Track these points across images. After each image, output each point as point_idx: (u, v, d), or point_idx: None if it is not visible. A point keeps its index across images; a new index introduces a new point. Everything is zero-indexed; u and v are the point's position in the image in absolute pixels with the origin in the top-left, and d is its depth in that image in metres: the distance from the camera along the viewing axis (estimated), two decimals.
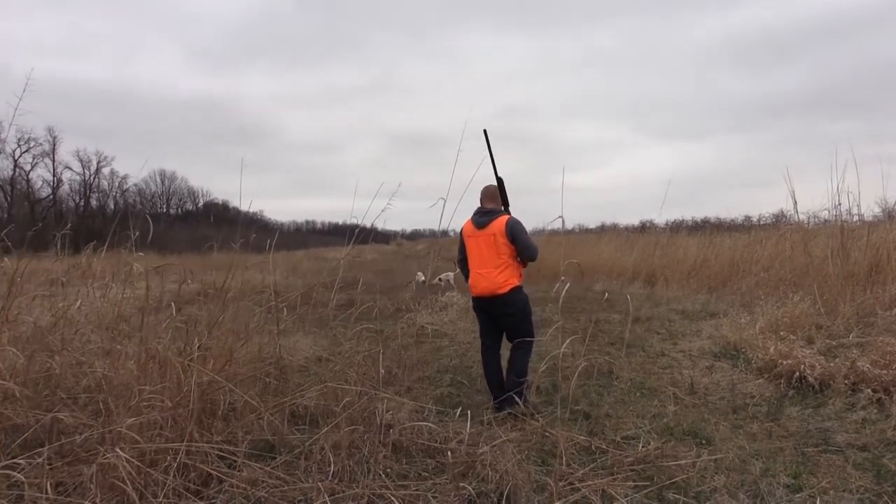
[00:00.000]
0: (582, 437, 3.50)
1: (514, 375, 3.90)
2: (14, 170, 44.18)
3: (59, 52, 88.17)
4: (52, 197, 46.27)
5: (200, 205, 60.39)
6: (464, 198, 4.19)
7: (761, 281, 8.17)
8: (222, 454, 3.02)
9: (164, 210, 59.20)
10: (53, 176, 46.22)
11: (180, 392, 3.10)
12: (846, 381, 4.22)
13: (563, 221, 3.98)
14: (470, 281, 4.13)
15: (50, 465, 2.88)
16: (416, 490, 2.74)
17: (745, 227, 16.75)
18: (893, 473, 3.07)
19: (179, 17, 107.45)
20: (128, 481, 2.51)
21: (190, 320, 3.64)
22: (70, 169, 47.53)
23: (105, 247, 4.35)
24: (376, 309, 4.40)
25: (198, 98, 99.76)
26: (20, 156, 44.08)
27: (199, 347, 3.36)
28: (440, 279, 12.86)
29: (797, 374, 4.45)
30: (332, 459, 2.94)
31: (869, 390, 4.05)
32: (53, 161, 45.89)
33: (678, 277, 11.08)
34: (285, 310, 4.19)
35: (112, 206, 47.32)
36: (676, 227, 20.23)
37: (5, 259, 3.87)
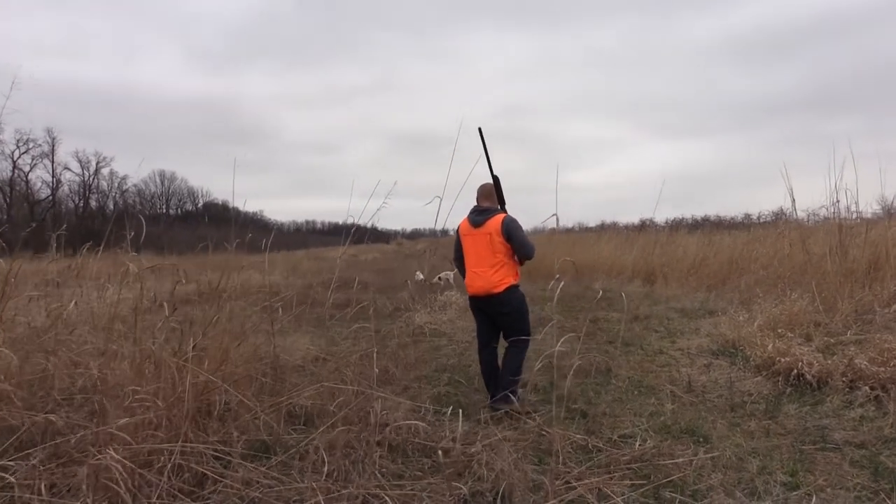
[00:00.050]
0: (579, 436, 3.49)
1: (508, 374, 3.89)
2: (13, 171, 44.24)
3: (58, 53, 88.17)
4: (51, 198, 46.26)
5: (200, 205, 60.37)
6: (462, 196, 4.19)
7: (760, 279, 8.16)
8: (217, 454, 3.01)
9: (164, 210, 59.21)
10: (52, 177, 46.25)
11: (175, 392, 3.10)
12: (844, 379, 4.21)
13: (556, 219, 3.97)
14: (466, 280, 4.12)
15: (44, 466, 2.89)
16: (411, 490, 2.73)
17: (744, 226, 16.76)
18: (891, 471, 3.06)
19: (179, 17, 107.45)
20: (120, 482, 2.50)
21: (185, 320, 3.63)
22: (69, 170, 47.59)
23: (101, 248, 4.35)
24: (372, 308, 4.38)
25: (198, 98, 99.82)
26: (19, 157, 44.15)
27: (193, 347, 3.35)
28: (440, 278, 12.85)
29: (795, 371, 4.43)
30: (327, 459, 2.93)
31: (867, 387, 4.03)
32: (52, 162, 45.93)
33: (677, 276, 11.07)
34: (280, 310, 4.18)
35: (112, 207, 47.32)
36: (676, 226, 20.25)
37: (0, 261, 3.86)
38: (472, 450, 3.15)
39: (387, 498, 2.60)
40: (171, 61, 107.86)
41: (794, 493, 2.83)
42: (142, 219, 3.45)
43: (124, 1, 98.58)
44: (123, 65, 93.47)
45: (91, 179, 48.94)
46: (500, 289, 3.91)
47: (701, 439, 3.54)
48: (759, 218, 18.05)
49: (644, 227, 20.00)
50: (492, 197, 4.07)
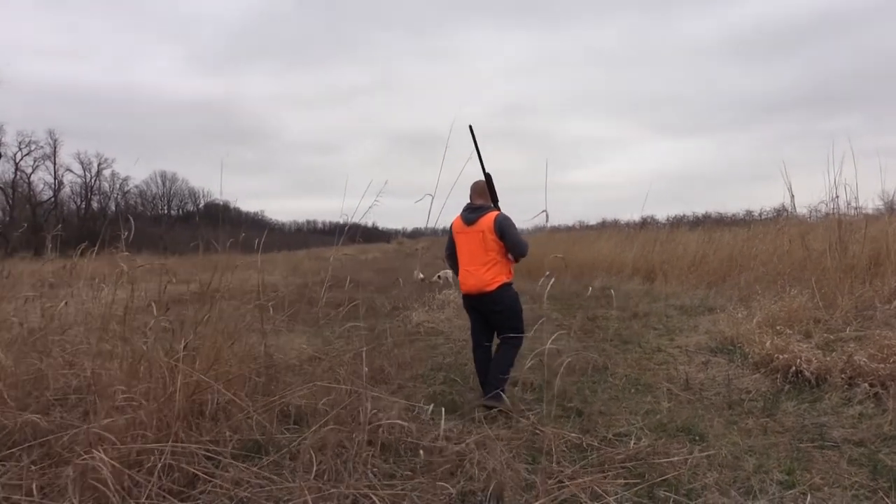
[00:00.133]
0: (573, 435, 3.46)
1: (498, 371, 3.86)
2: (15, 173, 44.34)
3: (58, 54, 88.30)
4: (53, 199, 46.35)
5: (201, 205, 60.39)
6: (455, 194, 4.15)
7: (760, 276, 8.11)
8: (209, 454, 2.99)
9: (166, 212, 59.26)
10: (54, 178, 46.34)
11: (165, 392, 3.07)
12: (843, 376, 4.17)
13: (546, 216, 3.93)
14: (459, 278, 4.09)
15: (35, 466, 2.87)
16: (401, 490, 2.70)
17: (745, 223, 16.70)
18: (889, 469, 3.02)
19: (179, 18, 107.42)
20: (109, 483, 2.48)
21: (177, 320, 3.61)
22: (71, 171, 47.67)
23: (96, 248, 4.33)
24: (365, 307, 4.35)
25: (198, 99, 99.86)
26: (21, 159, 44.25)
27: (185, 347, 3.33)
28: (439, 276, 12.83)
29: (793, 368, 4.40)
30: (317, 459, 2.90)
31: (866, 384, 3.99)
32: (54, 164, 46.01)
33: (677, 273, 11.03)
34: (272, 308, 4.15)
35: (113, 208, 47.37)
36: (677, 223, 20.21)
37: None
38: (465, 448, 3.12)
39: (375, 498, 2.57)
40: (172, 62, 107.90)
41: (790, 491, 2.80)
42: (131, 219, 3.42)
43: (124, 2, 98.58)
44: (124, 66, 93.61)
45: (93, 181, 49.06)
46: (493, 287, 3.88)
47: (697, 437, 3.51)
48: (760, 215, 18.02)
49: (645, 224, 20.02)
50: (485, 194, 4.04)
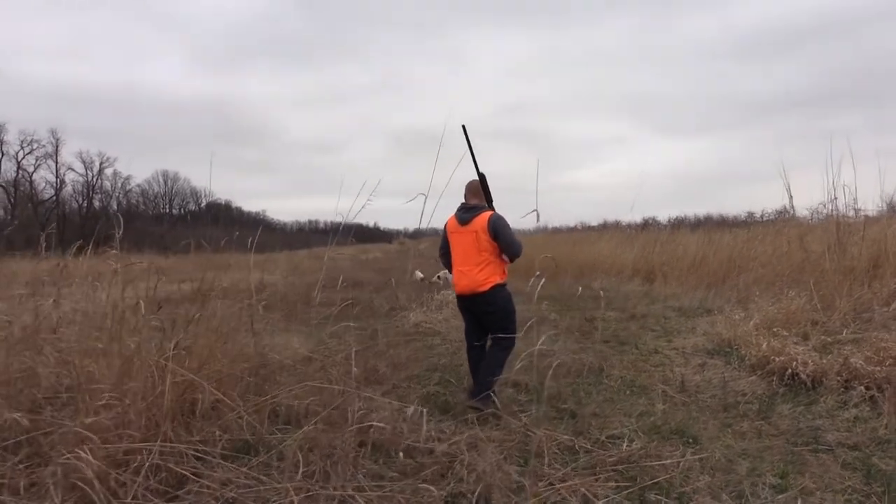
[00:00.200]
0: (566, 437, 3.43)
1: (488, 373, 3.83)
2: (17, 171, 44.44)
3: (60, 54, 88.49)
4: (55, 198, 46.42)
5: (203, 205, 60.43)
6: (450, 194, 4.14)
7: (759, 277, 8.08)
8: (198, 454, 2.97)
9: (168, 211, 59.33)
10: (56, 177, 46.40)
11: (154, 391, 3.06)
12: (839, 378, 4.14)
13: (537, 216, 3.90)
14: (453, 278, 4.07)
15: (23, 465, 2.86)
16: (389, 491, 2.68)
17: (747, 224, 16.66)
18: (883, 473, 2.99)
19: (181, 18, 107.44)
20: (95, 482, 2.46)
21: (168, 319, 3.59)
22: (73, 170, 47.72)
23: (90, 247, 4.32)
24: (364, 307, 4.33)
25: (200, 99, 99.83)
26: (23, 157, 44.34)
27: (175, 346, 3.31)
28: (438, 277, 12.81)
29: (789, 371, 4.37)
30: (305, 459, 2.89)
31: (862, 387, 3.96)
32: (56, 162, 46.07)
33: (677, 274, 11.00)
34: (266, 308, 4.14)
35: (115, 207, 47.42)
36: (678, 224, 20.19)
37: None
38: (455, 450, 3.10)
39: (361, 499, 2.55)
40: (174, 62, 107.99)
41: (782, 495, 2.77)
42: (120, 217, 3.41)
43: (126, 2, 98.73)
44: (126, 66, 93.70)
45: (94, 180, 49.10)
46: (486, 287, 3.86)
47: (690, 440, 3.48)
48: (762, 216, 17.96)
49: (646, 225, 19.98)
50: (479, 194, 4.02)
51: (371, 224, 70.21)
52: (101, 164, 48.69)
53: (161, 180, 58.21)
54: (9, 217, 39.01)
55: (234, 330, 3.97)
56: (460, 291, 4.00)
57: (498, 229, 3.84)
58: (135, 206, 53.91)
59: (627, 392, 4.53)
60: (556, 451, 3.27)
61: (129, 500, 2.53)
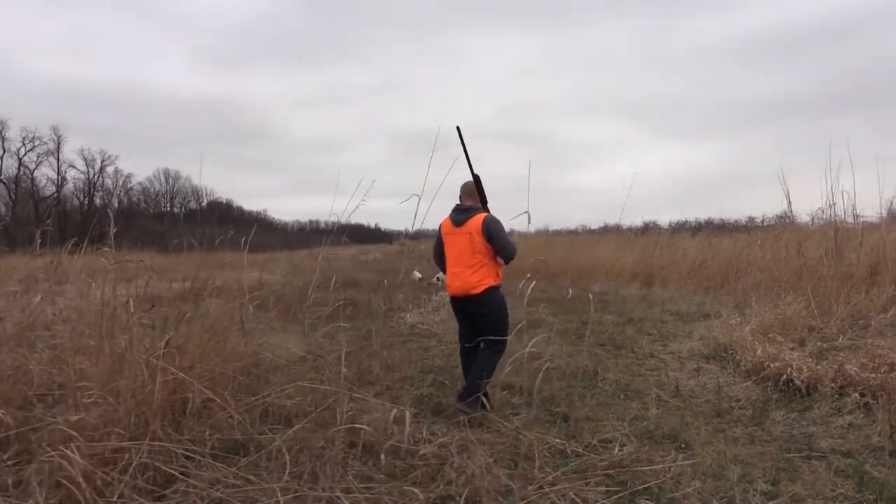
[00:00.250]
0: (557, 440, 3.41)
1: (478, 375, 3.80)
2: (19, 168, 44.50)
3: (63, 52, 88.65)
4: (56, 195, 46.47)
5: (204, 204, 60.49)
6: (446, 195, 4.13)
7: (758, 282, 8.06)
8: (188, 454, 2.96)
9: (169, 209, 59.38)
10: (58, 174, 46.43)
11: (144, 389, 3.05)
12: (833, 385, 4.12)
13: (528, 217, 3.88)
14: (446, 280, 4.06)
15: (12, 462, 2.86)
16: (376, 494, 2.67)
17: (748, 229, 16.65)
18: (876, 481, 2.97)
19: (184, 17, 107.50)
20: (80, 481, 2.45)
21: (160, 318, 3.58)
22: (74, 167, 47.76)
23: (84, 244, 4.31)
24: (349, 308, 4.32)
25: (202, 98, 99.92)
26: (24, 154, 44.41)
27: (167, 344, 3.30)
28: (438, 278, 12.79)
29: (784, 377, 4.35)
30: (297, 460, 2.87)
31: (856, 394, 3.94)
32: (58, 160, 46.09)
33: (676, 278, 10.98)
34: (260, 307, 4.13)
35: (116, 205, 47.46)
36: (679, 228, 20.14)
37: None
38: (446, 452, 3.09)
39: (346, 501, 2.54)
40: (176, 61, 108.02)
41: (773, 502, 2.76)
42: (110, 214, 3.40)
43: (129, 1, 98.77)
44: (128, 64, 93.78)
45: (96, 177, 49.13)
46: (479, 290, 3.84)
47: (683, 445, 3.46)
48: (763, 221, 17.94)
49: (647, 229, 19.97)
50: (474, 195, 4.00)
51: (372, 225, 70.23)
52: (102, 161, 48.69)
53: (162, 179, 58.26)
54: (9, 213, 39.07)
55: (227, 329, 3.96)
56: (453, 293, 3.99)
57: (492, 231, 3.83)
58: (136, 205, 53.99)
59: (622, 396, 4.51)
60: (547, 454, 3.26)
61: (114, 498, 2.52)
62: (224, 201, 61.95)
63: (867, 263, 6.87)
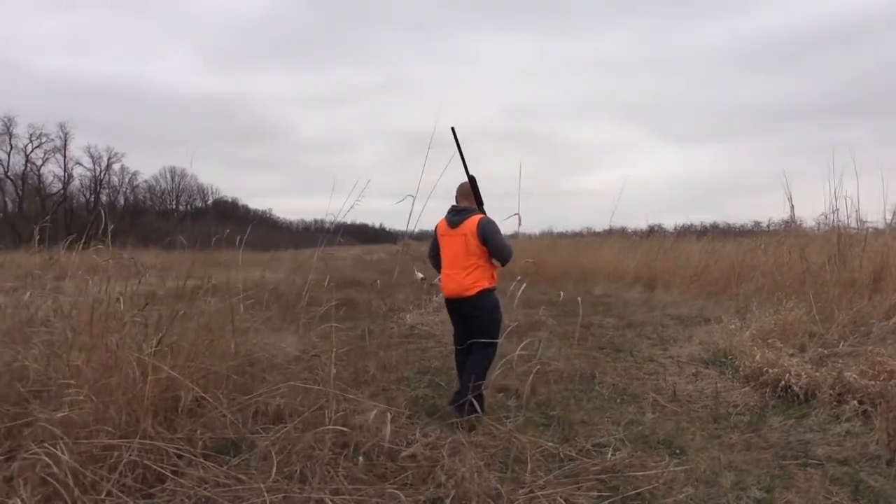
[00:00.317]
0: (550, 444, 3.39)
1: (469, 379, 3.77)
2: (26, 165, 44.82)
3: (69, 50, 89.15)
4: (62, 192, 46.74)
5: (210, 202, 60.73)
6: (442, 196, 4.12)
7: (760, 287, 8.00)
8: (179, 452, 2.95)
9: (175, 207, 59.62)
10: (64, 171, 46.75)
11: (135, 387, 3.04)
12: (832, 392, 4.08)
13: (519, 219, 3.85)
14: (440, 281, 4.04)
15: (4, 458, 2.86)
16: (363, 496, 2.65)
17: (752, 233, 16.54)
18: (871, 489, 2.93)
19: (190, 16, 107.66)
20: (67, 477, 2.45)
21: (153, 316, 3.58)
22: (81, 164, 48.05)
23: (82, 241, 4.32)
24: (343, 308, 4.31)
25: (208, 96, 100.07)
26: (32, 151, 44.71)
27: (159, 342, 3.30)
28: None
29: (783, 383, 4.31)
30: (288, 460, 2.86)
31: (855, 402, 3.90)
32: (65, 157, 46.43)
33: (679, 282, 10.92)
34: (252, 306, 4.12)
35: (122, 203, 47.71)
36: (684, 232, 20.04)
37: None
38: (437, 455, 3.07)
39: (333, 502, 2.52)
40: (181, 60, 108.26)
41: None
42: (104, 212, 3.41)
43: (131, 0, 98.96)
44: (134, 63, 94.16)
45: (102, 174, 49.40)
46: (472, 292, 3.81)
47: (677, 451, 3.43)
48: (768, 226, 17.82)
49: (652, 232, 19.88)
50: (470, 196, 3.98)
51: (377, 225, 70.30)
52: (108, 159, 49.03)
53: (168, 176, 58.50)
54: (16, 209, 39.32)
55: (221, 328, 3.95)
56: (448, 295, 3.97)
57: (487, 233, 3.80)
58: (142, 202, 54.27)
59: (618, 400, 4.48)
60: (540, 458, 3.24)
61: (101, 496, 2.52)
62: (230, 199, 62.20)
63: (870, 269, 6.81)
